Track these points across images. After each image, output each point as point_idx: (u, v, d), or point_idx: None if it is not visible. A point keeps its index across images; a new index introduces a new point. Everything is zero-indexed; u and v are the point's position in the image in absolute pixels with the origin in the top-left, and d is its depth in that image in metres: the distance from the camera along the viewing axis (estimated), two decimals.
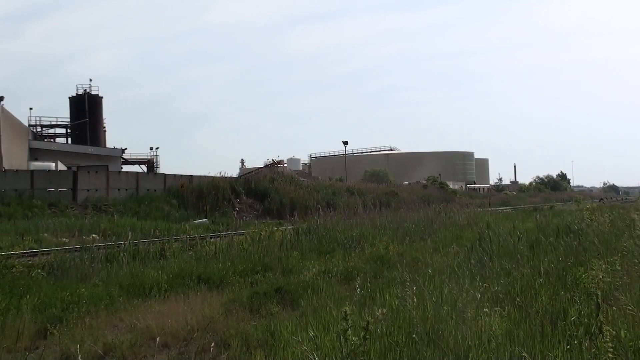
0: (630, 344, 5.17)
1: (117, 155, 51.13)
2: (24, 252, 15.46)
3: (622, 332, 5.36)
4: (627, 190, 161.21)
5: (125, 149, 53.37)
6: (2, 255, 13.90)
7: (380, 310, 5.87)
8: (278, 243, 16.51)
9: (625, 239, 11.98)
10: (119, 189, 35.59)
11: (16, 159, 40.95)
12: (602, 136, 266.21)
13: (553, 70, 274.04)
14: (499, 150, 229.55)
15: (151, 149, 66.89)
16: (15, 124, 44.82)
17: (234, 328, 7.59)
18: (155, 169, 61.02)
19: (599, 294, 5.69)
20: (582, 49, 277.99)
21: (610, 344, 4.76)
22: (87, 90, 56.91)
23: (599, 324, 5.05)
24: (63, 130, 58.35)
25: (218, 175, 41.86)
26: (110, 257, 13.74)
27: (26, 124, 52.06)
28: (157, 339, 7.41)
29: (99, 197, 33.40)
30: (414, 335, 5.80)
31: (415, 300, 6.98)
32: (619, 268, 8.08)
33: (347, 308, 5.03)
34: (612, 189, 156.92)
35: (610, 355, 4.71)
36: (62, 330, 7.66)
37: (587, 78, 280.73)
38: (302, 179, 52.18)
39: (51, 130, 58.70)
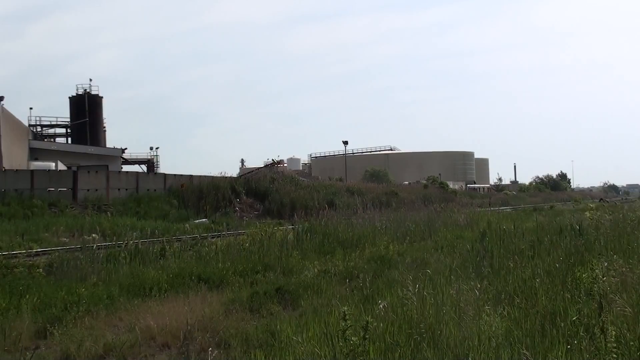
0: (631, 343, 5.17)
1: (117, 155, 51.12)
2: (24, 252, 15.44)
3: (622, 332, 5.35)
4: (627, 190, 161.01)
5: (125, 148, 53.45)
6: (2, 255, 13.89)
7: (382, 304, 5.87)
8: (278, 243, 16.50)
9: (625, 238, 11.98)
10: (119, 189, 35.57)
11: (16, 158, 40.96)
12: (602, 136, 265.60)
13: (553, 70, 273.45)
14: (499, 150, 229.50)
15: (151, 149, 66.97)
16: (16, 124, 44.83)
17: (234, 328, 7.58)
18: (155, 168, 60.98)
19: (602, 293, 5.68)
20: (582, 49, 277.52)
21: (613, 344, 4.76)
22: (87, 90, 56.89)
23: (601, 324, 5.04)
24: (63, 130, 58.41)
25: (218, 175, 41.93)
26: (111, 257, 13.73)
27: (26, 124, 52.07)
28: (157, 339, 7.43)
29: (99, 197, 33.35)
30: (415, 335, 5.80)
31: (415, 300, 6.98)
32: (619, 268, 8.07)
33: (345, 308, 5.03)
34: (612, 188, 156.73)
35: (614, 355, 4.70)
36: (62, 330, 7.65)
37: (587, 78, 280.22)
38: (302, 178, 52.17)
39: (51, 130, 58.77)
